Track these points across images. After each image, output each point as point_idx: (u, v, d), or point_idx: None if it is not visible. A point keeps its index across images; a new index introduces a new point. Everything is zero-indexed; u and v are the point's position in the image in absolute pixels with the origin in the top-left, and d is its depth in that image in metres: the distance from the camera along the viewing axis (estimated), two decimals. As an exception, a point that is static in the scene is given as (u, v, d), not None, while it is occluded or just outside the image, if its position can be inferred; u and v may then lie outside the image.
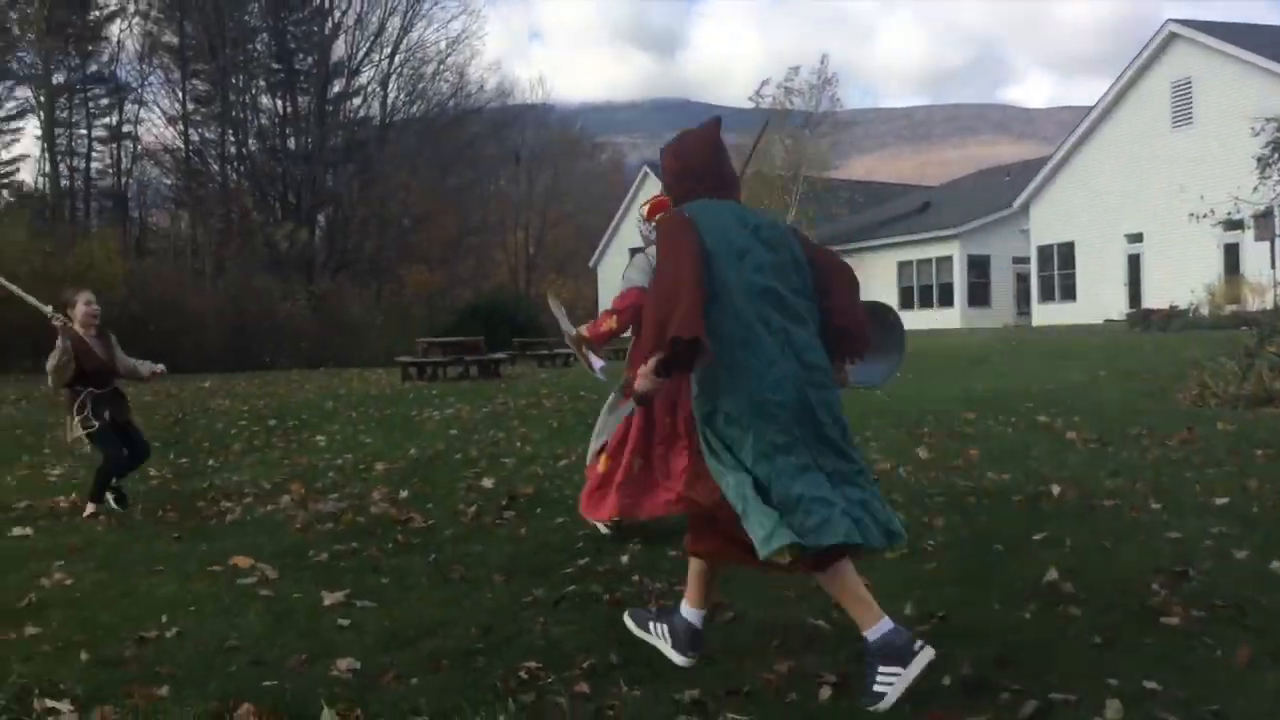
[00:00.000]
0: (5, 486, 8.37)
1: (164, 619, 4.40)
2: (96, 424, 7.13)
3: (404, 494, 7.54)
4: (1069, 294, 34.67)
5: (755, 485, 3.34)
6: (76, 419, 7.13)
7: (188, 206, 44.37)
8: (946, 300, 38.69)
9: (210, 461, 9.58)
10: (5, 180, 43.58)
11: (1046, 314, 34.88)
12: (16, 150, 43.08)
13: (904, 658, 3.26)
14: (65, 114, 42.82)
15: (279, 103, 44.10)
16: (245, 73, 42.14)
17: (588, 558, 5.31)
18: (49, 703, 3.40)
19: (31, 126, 44.77)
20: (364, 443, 10.34)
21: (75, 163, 43.84)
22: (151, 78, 44.18)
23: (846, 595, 3.44)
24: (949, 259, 38.59)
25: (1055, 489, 6.56)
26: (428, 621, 4.30)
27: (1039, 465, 7.59)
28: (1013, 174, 42.96)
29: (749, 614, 4.30)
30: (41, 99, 41.22)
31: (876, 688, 3.26)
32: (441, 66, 45.58)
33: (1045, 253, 35.71)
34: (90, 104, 44.06)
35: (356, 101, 44.67)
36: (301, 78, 43.51)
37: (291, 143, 43.03)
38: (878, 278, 38.95)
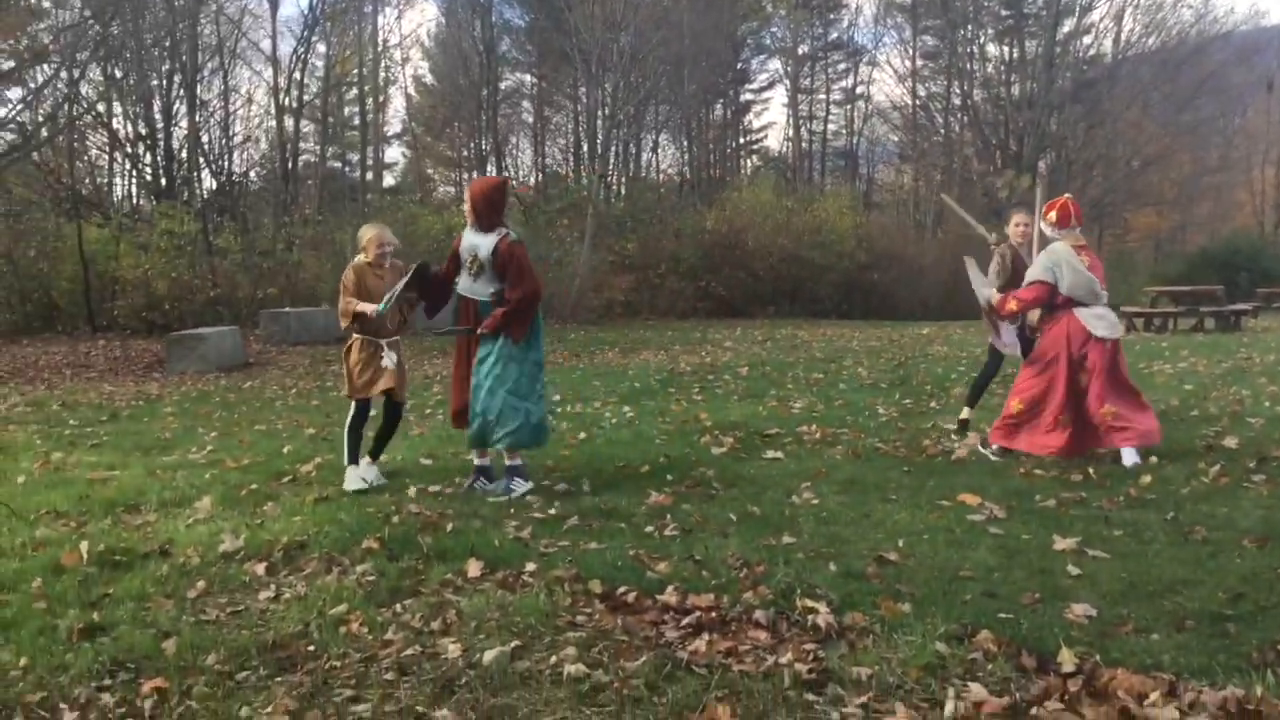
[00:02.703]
0: (758, 416, 9.49)
1: (900, 543, 4.71)
2: None
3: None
4: None
5: None
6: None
7: (911, 160, 46.13)
8: None
9: (932, 403, 9.95)
10: (756, 146, 49.23)
11: None
12: (765, 118, 48.34)
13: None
14: (807, 81, 46.93)
15: (1005, 49, 43.73)
16: (974, 23, 42.36)
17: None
18: (808, 602, 3.85)
19: (778, 95, 49.84)
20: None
21: (814, 126, 47.88)
22: (885, 39, 46.56)
23: None
24: None
25: None
26: (1168, 579, 4.09)
27: None
28: None
29: None
30: (788, 69, 45.58)
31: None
32: (1188, -10, 41.45)
33: None
34: (829, 69, 47.74)
35: (1086, 40, 42.51)
36: (1030, 21, 42.60)
37: (1015, 89, 42.42)
38: None
